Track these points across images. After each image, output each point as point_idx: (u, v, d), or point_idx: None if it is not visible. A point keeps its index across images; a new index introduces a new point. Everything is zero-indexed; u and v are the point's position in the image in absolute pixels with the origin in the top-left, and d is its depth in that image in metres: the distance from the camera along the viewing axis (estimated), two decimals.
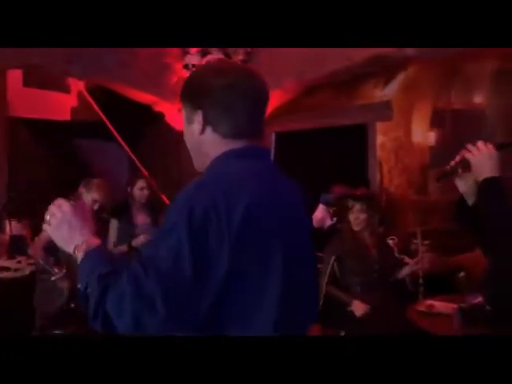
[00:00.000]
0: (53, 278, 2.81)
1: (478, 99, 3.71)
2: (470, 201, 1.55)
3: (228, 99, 1.11)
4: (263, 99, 1.17)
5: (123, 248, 3.38)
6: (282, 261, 1.05)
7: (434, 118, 4.00)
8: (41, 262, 2.87)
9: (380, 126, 4.34)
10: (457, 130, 3.80)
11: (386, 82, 4.25)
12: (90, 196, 3.05)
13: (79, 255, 1.07)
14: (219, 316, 1.01)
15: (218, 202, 0.98)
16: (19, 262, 3.76)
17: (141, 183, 3.48)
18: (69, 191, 3.27)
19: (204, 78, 1.14)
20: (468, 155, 1.48)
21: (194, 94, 1.14)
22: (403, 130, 4.20)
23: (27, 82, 5.30)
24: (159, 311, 0.93)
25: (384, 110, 4.28)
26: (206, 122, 1.12)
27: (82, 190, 3.07)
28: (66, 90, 5.66)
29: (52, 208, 1.15)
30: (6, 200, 4.41)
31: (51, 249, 2.90)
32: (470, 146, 1.49)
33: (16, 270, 3.71)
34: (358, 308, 2.86)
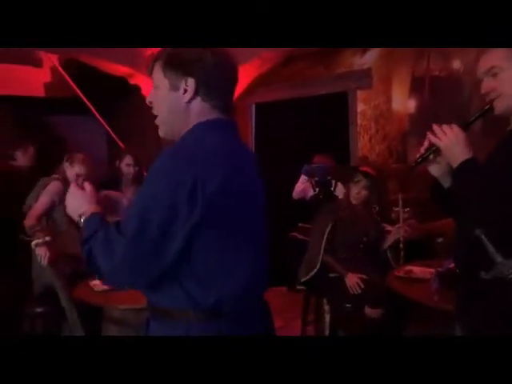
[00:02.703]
0: (33, 243, 2.80)
1: (456, 65, 3.69)
2: (446, 184, 1.53)
3: (217, 73, 1.19)
4: (235, 80, 1.26)
5: (103, 201, 3.40)
6: (243, 229, 1.19)
7: (412, 86, 3.97)
8: (29, 229, 2.87)
9: (360, 94, 4.31)
10: (435, 96, 3.79)
11: (365, 50, 4.20)
12: (74, 171, 3.04)
13: (83, 218, 1.26)
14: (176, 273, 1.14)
15: (198, 171, 1.08)
16: None
17: (127, 159, 3.48)
18: (47, 169, 3.24)
19: (195, 51, 1.20)
20: (435, 141, 1.45)
21: (185, 62, 1.18)
22: (383, 98, 4.17)
23: None
24: (116, 254, 1.11)
25: (364, 77, 4.25)
26: (197, 91, 1.18)
27: (65, 164, 3.07)
28: (38, 64, 5.49)
29: (71, 189, 1.37)
30: None
31: (41, 219, 2.96)
32: (435, 130, 1.45)
33: None
34: (351, 280, 2.89)
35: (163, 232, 1.09)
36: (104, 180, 3.63)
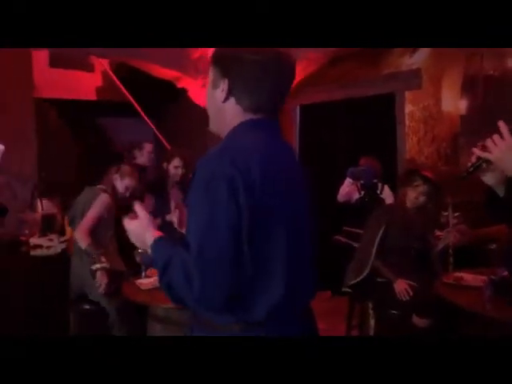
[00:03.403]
0: (95, 267, 2.86)
1: (511, 63, 3.53)
2: (501, 192, 1.46)
3: (255, 75, 1.17)
4: (288, 81, 1.23)
5: (157, 221, 3.46)
6: (287, 229, 1.15)
7: (464, 86, 3.84)
8: (88, 247, 2.88)
9: (409, 95, 4.20)
10: (489, 97, 3.64)
11: (414, 50, 4.10)
12: (124, 183, 3.10)
13: (149, 245, 1.23)
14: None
15: (239, 173, 1.07)
16: (51, 239, 3.86)
17: (176, 161, 3.52)
18: (96, 170, 3.32)
19: (237, 50, 1.20)
20: (485, 155, 1.37)
21: (224, 60, 1.20)
22: (433, 99, 4.05)
23: (53, 62, 5.36)
24: (195, 282, 1.06)
25: (413, 78, 4.14)
26: (231, 93, 1.19)
27: (115, 176, 3.11)
28: (90, 69, 5.69)
29: (126, 223, 1.32)
30: (37, 180, 4.51)
31: (93, 233, 2.95)
32: (486, 143, 1.37)
33: (48, 247, 3.82)
34: (400, 286, 2.80)
35: (232, 236, 1.07)
36: (151, 181, 3.71)
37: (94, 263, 2.87)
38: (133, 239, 1.29)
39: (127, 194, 3.14)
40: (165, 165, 3.55)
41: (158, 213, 3.48)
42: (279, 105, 1.24)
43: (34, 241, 3.87)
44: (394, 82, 4.26)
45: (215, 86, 1.21)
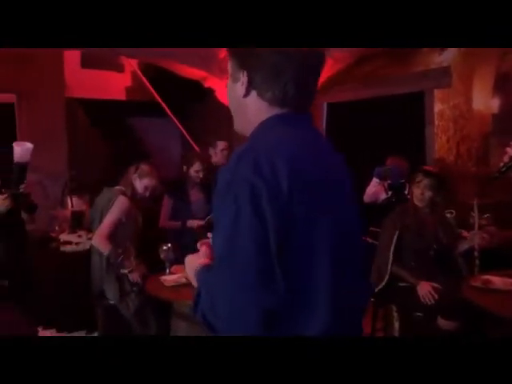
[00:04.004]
0: (125, 271, 2.90)
1: None
2: None
3: (276, 63, 1.03)
4: (315, 67, 1.08)
5: (177, 224, 3.49)
6: (329, 226, 0.99)
7: (497, 84, 3.74)
8: (110, 254, 2.90)
9: (438, 93, 4.12)
10: None
11: (443, 48, 4.02)
12: (143, 183, 3.06)
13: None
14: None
15: (261, 179, 0.93)
16: (80, 236, 3.96)
17: (197, 166, 3.53)
18: (124, 169, 3.34)
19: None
20: None
21: (241, 52, 1.08)
22: (463, 97, 3.96)
23: (84, 63, 5.48)
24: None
25: (442, 76, 4.06)
26: (251, 85, 1.06)
27: (134, 176, 3.06)
28: (120, 69, 5.79)
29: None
30: (67, 178, 4.62)
31: (113, 237, 2.94)
32: None
33: (77, 243, 3.91)
34: (424, 289, 2.74)
35: (257, 248, 0.93)
36: (175, 181, 3.74)
37: (118, 268, 2.91)
38: (187, 270, 1.19)
39: (147, 194, 3.10)
40: (185, 168, 3.56)
41: (177, 214, 3.51)
42: (308, 96, 1.09)
43: (63, 237, 3.98)
44: (423, 80, 4.19)
45: (235, 79, 1.09)
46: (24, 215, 3.03)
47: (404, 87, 4.32)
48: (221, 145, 3.57)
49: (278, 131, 1.04)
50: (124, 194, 3.01)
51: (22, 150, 2.71)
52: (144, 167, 3.09)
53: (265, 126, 1.06)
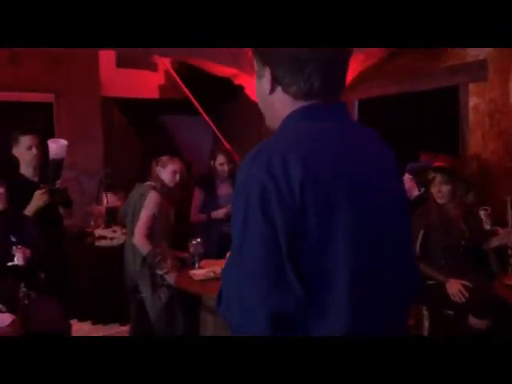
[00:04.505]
0: (161, 273, 2.95)
1: None
2: None
3: (297, 55, 1.00)
4: (340, 56, 1.04)
5: (203, 217, 3.55)
6: (352, 232, 0.93)
7: None
8: (149, 254, 2.95)
9: (473, 87, 4.01)
10: None
11: None
12: (168, 170, 3.11)
13: None
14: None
15: (271, 178, 0.90)
16: (114, 231, 4.07)
17: (221, 158, 3.57)
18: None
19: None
20: None
21: (262, 48, 1.06)
22: (499, 91, 3.84)
23: (119, 62, 5.61)
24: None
25: (478, 70, 3.95)
26: (276, 81, 1.04)
27: (158, 169, 3.12)
28: (153, 68, 5.90)
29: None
30: (102, 175, 4.76)
31: (151, 235, 3.00)
32: None
33: (112, 238, 4.03)
34: (454, 287, 2.69)
35: (268, 251, 0.90)
36: (204, 175, 3.79)
37: (155, 269, 2.96)
38: None
39: (177, 179, 3.13)
40: (212, 163, 3.61)
41: (206, 207, 3.57)
42: (337, 87, 1.05)
43: (98, 232, 4.10)
44: (458, 74, 4.08)
45: (260, 76, 1.08)
46: (61, 210, 3.14)
47: (438, 81, 4.23)
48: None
49: (300, 126, 1.02)
50: (154, 188, 3.08)
51: (57, 147, 2.81)
52: (163, 158, 3.16)
53: (289, 120, 1.04)
